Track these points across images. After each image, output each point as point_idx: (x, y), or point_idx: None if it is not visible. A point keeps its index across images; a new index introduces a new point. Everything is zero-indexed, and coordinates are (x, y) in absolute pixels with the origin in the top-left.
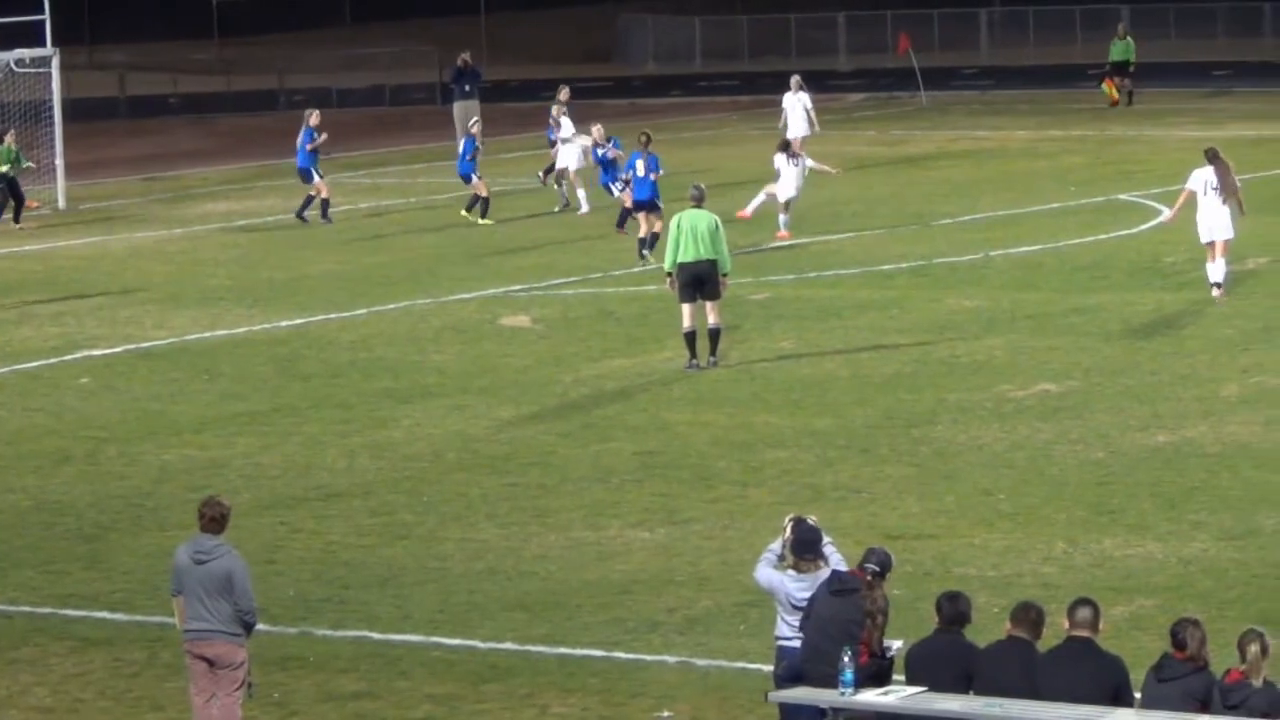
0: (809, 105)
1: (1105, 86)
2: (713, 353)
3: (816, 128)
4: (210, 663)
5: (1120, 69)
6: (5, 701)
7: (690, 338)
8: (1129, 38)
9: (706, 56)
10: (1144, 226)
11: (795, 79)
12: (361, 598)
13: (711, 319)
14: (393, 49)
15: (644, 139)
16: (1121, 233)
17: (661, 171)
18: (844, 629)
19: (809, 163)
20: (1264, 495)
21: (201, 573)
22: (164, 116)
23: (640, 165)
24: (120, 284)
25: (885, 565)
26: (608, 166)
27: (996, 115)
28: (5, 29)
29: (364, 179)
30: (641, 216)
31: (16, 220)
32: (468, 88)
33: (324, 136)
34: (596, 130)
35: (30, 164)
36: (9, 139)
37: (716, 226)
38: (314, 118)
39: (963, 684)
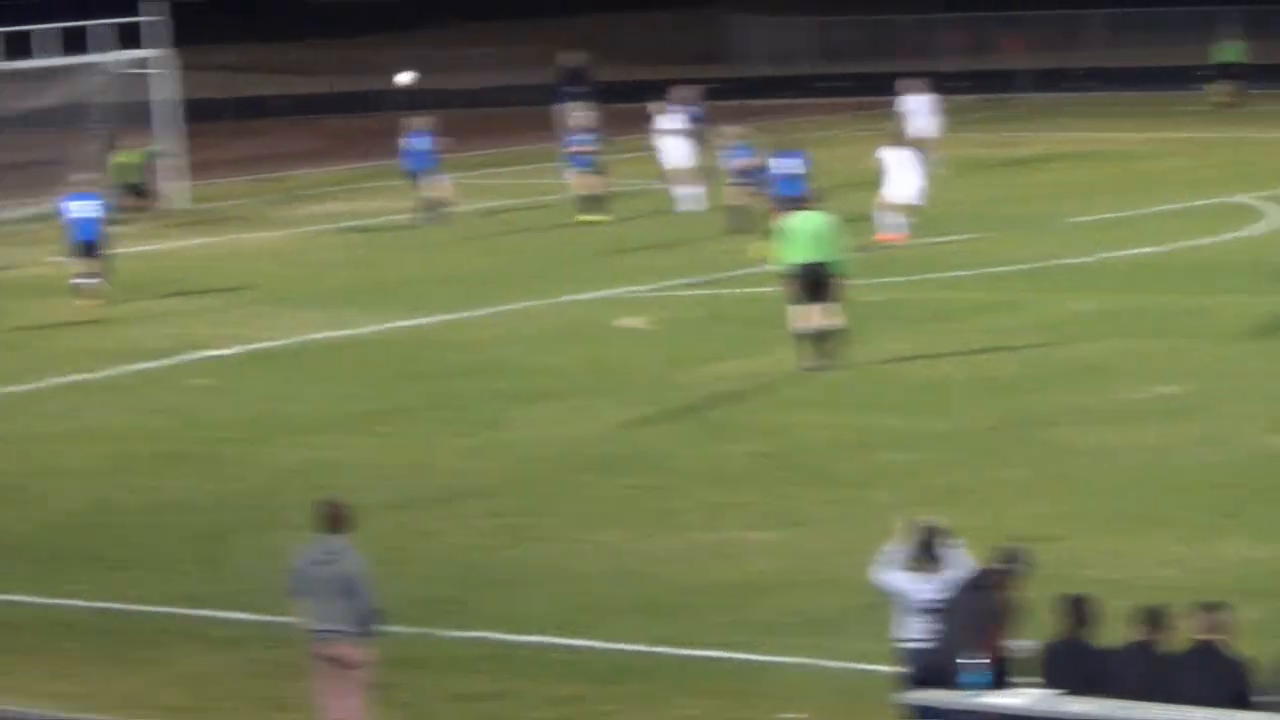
0: (932, 107)
1: (1215, 88)
2: (829, 354)
3: (940, 129)
4: (335, 663)
5: (1230, 70)
6: (135, 700)
7: (806, 339)
8: (1238, 39)
9: (816, 57)
10: (1258, 227)
11: (915, 81)
12: (484, 599)
13: (828, 320)
14: (500, 48)
15: (787, 140)
16: (1236, 234)
17: (808, 168)
18: (973, 625)
19: (917, 169)
20: None
21: (323, 574)
22: (273, 117)
23: (787, 164)
24: (235, 285)
25: (1021, 565)
26: (747, 170)
27: (1106, 116)
28: (118, 30)
29: (474, 179)
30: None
31: (146, 210)
32: (576, 89)
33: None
34: (730, 132)
35: (162, 150)
36: (131, 151)
37: (832, 227)
38: (426, 120)
39: (1087, 686)
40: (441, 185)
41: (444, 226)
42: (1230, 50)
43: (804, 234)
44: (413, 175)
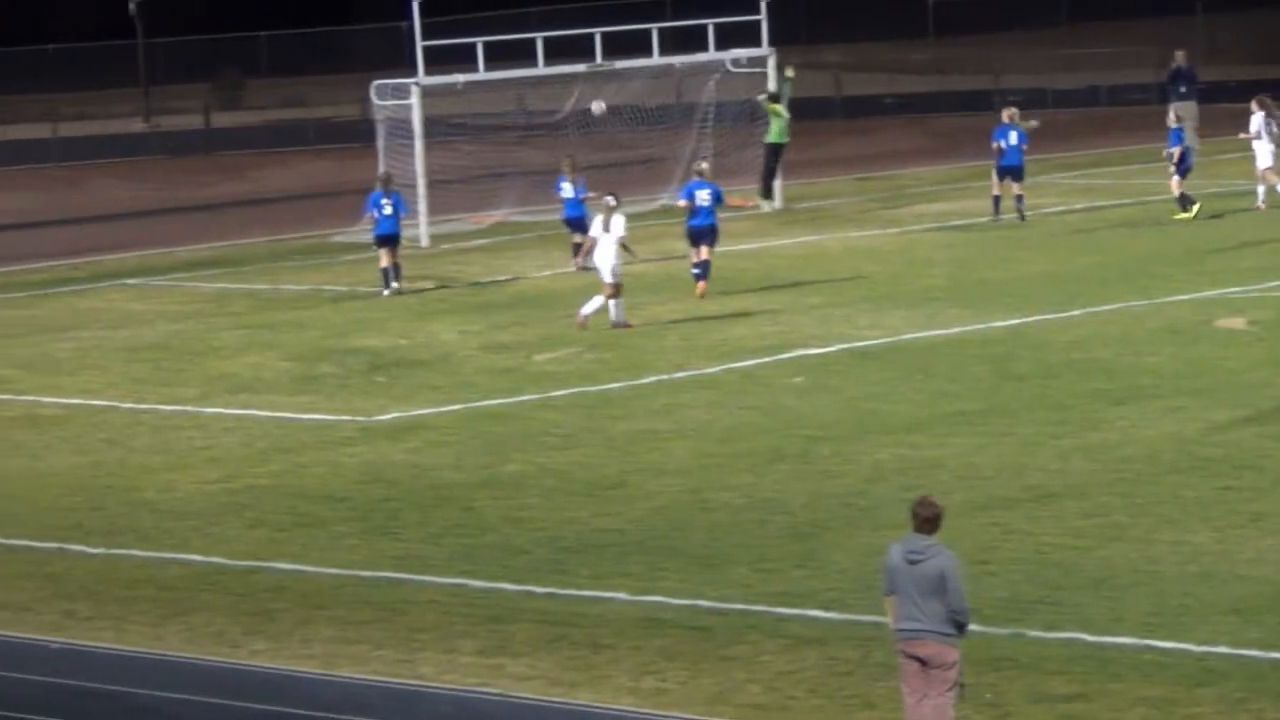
0: None
1: None
2: None
3: None
4: (923, 662)
5: None
6: (718, 698)
7: None
8: None
9: None
10: None
11: None
12: (1074, 599)
13: None
14: (1108, 49)
15: None
16: None
17: None
18: None
19: None
20: None
21: (914, 572)
22: (879, 116)
23: None
24: (835, 283)
25: None
26: None
27: None
28: (722, 29)
29: (1078, 179)
30: None
31: (768, 197)
32: (1184, 88)
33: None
34: None
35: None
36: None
37: None
38: (1013, 113)
39: None
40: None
41: (1018, 225)
42: None
43: None
44: (1014, 172)
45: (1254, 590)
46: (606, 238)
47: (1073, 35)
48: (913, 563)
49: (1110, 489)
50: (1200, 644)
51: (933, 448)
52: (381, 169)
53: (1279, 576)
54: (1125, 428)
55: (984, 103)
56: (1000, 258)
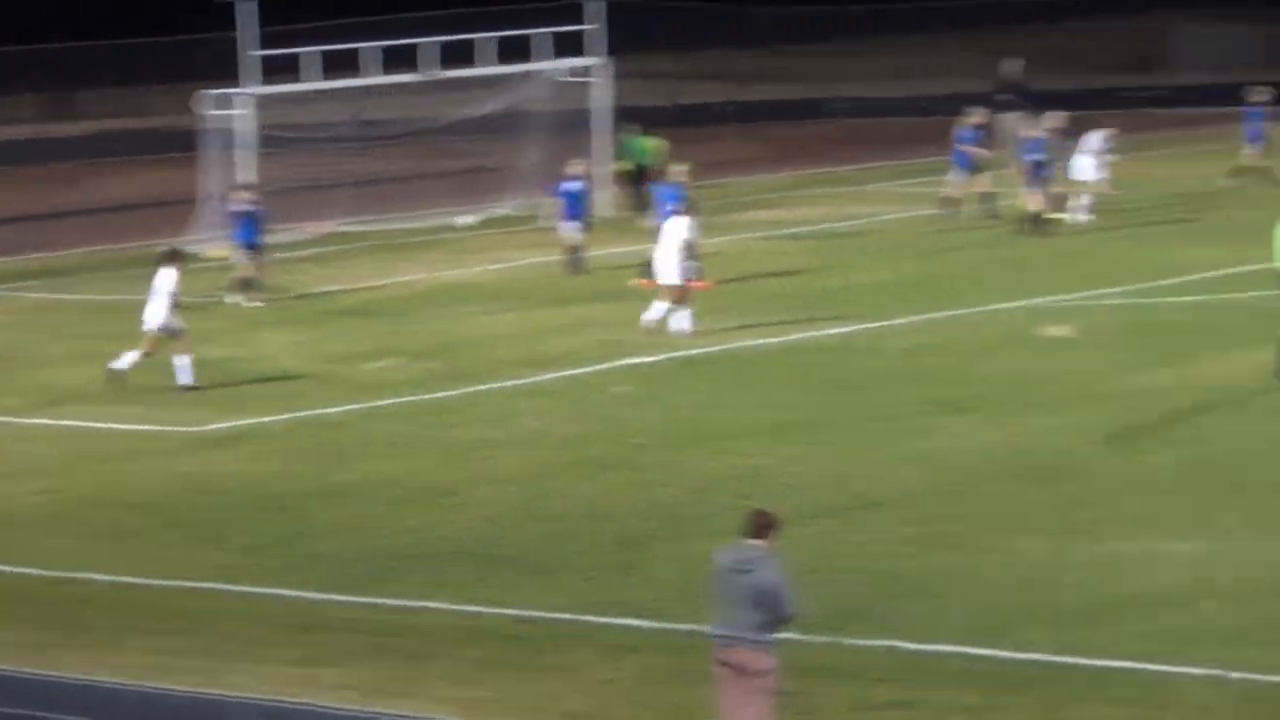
0: None
1: None
2: None
3: None
4: (737, 670)
5: None
6: (536, 707)
7: None
8: None
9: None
10: None
11: None
12: (895, 607)
13: None
14: (933, 59)
15: None
16: None
17: None
18: None
19: None
20: None
21: (739, 580)
22: (712, 125)
23: None
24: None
25: None
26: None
27: None
28: (557, 39)
29: (913, 187)
30: None
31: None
32: (1011, 98)
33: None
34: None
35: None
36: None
37: None
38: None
39: None
40: (956, 183)
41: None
42: None
43: None
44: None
45: (1072, 596)
46: (667, 243)
47: (900, 46)
48: (738, 571)
49: (936, 498)
50: (1018, 650)
51: (761, 456)
52: (239, 178)
53: (1097, 583)
54: (953, 436)
55: (815, 110)
56: (834, 265)
